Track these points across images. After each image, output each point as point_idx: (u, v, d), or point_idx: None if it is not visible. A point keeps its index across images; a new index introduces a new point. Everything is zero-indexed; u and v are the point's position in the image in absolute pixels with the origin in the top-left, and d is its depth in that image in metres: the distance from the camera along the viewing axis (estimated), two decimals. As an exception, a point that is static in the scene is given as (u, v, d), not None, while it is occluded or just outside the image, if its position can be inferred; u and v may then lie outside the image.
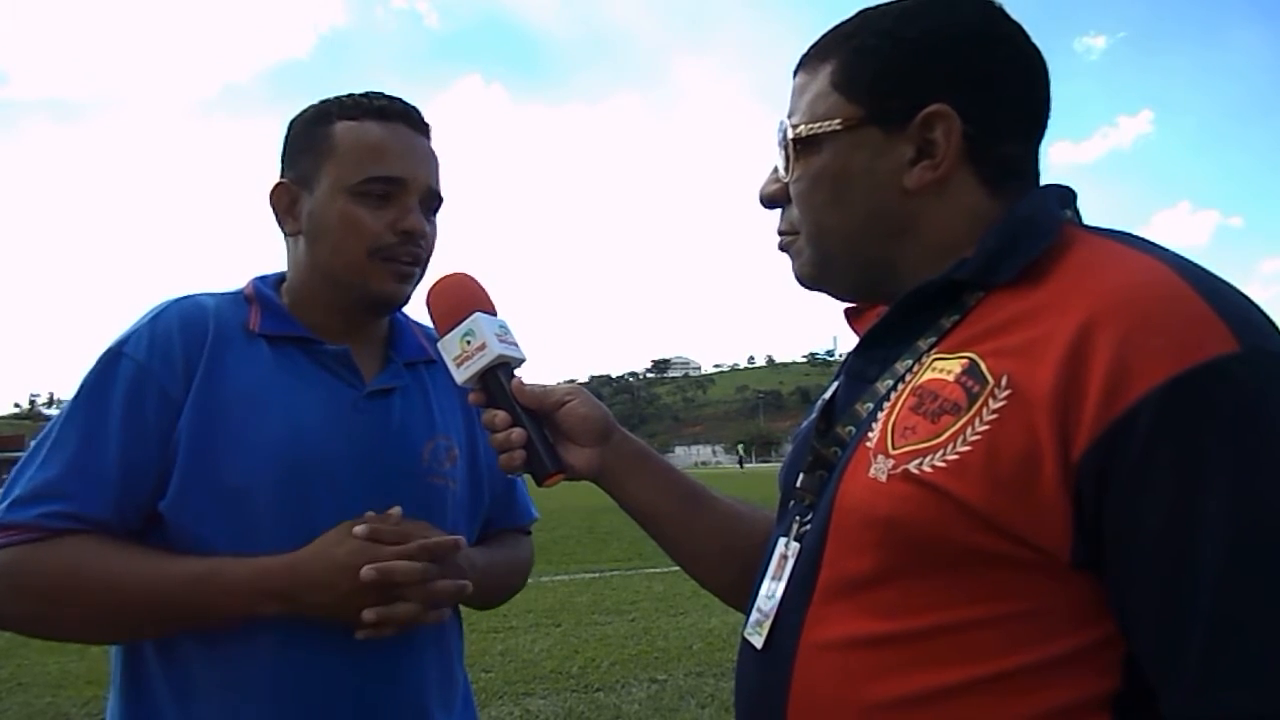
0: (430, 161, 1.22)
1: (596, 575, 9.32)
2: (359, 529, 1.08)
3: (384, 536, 1.09)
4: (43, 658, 5.83)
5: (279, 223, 1.23)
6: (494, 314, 1.07)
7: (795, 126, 0.84)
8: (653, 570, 9.23)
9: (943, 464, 0.69)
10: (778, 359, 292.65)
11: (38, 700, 5.03)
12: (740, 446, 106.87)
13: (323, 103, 1.23)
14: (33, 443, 1.12)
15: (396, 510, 1.13)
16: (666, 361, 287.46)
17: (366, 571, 1.05)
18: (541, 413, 1.04)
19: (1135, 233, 0.77)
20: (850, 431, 0.81)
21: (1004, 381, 0.69)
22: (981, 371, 0.71)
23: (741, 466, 70.99)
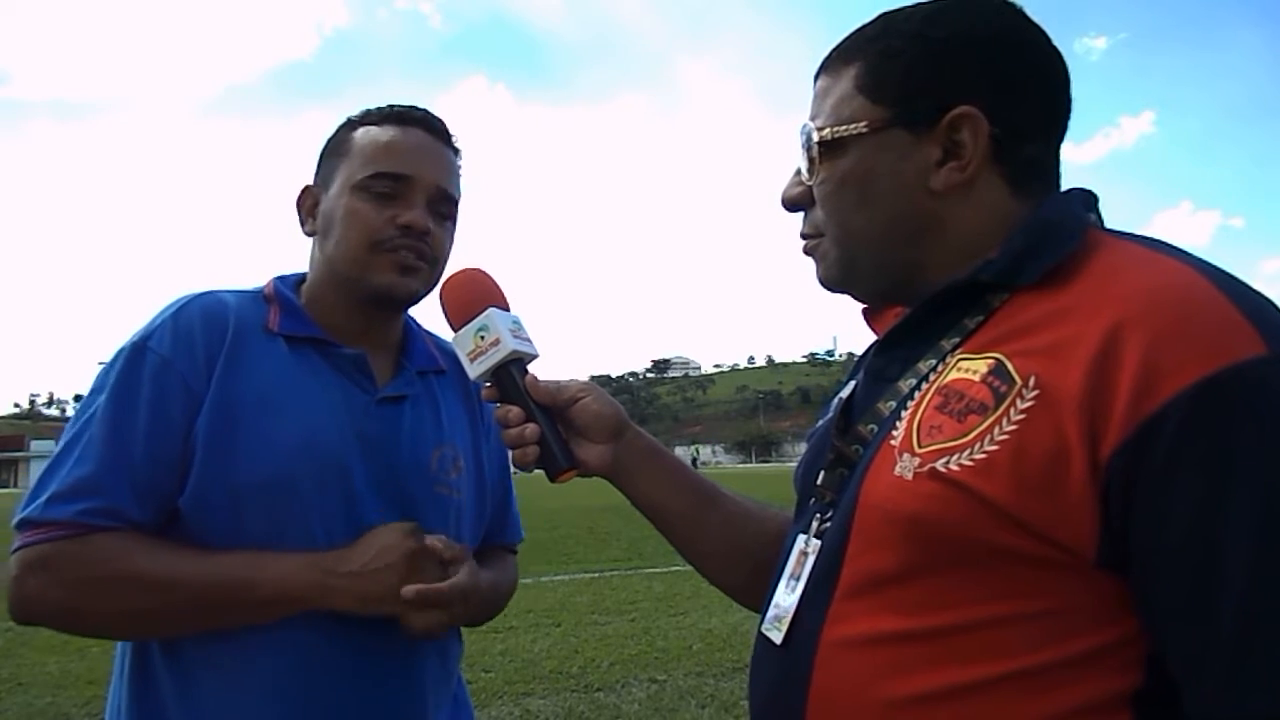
0: (443, 164, 1.24)
1: (596, 575, 9.31)
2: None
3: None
4: (43, 657, 5.82)
5: (301, 224, 1.26)
6: (508, 309, 1.07)
7: (820, 130, 0.84)
8: (653, 570, 9.23)
9: (970, 463, 0.69)
10: (778, 359, 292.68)
11: (38, 700, 5.02)
12: (694, 448, 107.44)
13: (355, 114, 1.27)
14: (64, 436, 1.12)
15: (436, 541, 1.15)
16: (666, 361, 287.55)
17: (408, 591, 1.10)
18: (554, 408, 1.04)
19: (1136, 233, 0.78)
20: (872, 430, 0.81)
21: (1031, 382, 0.69)
22: (1008, 372, 0.71)
23: (694, 466, 70.80)
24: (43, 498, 1.06)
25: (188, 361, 1.11)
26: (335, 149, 1.24)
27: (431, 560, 1.14)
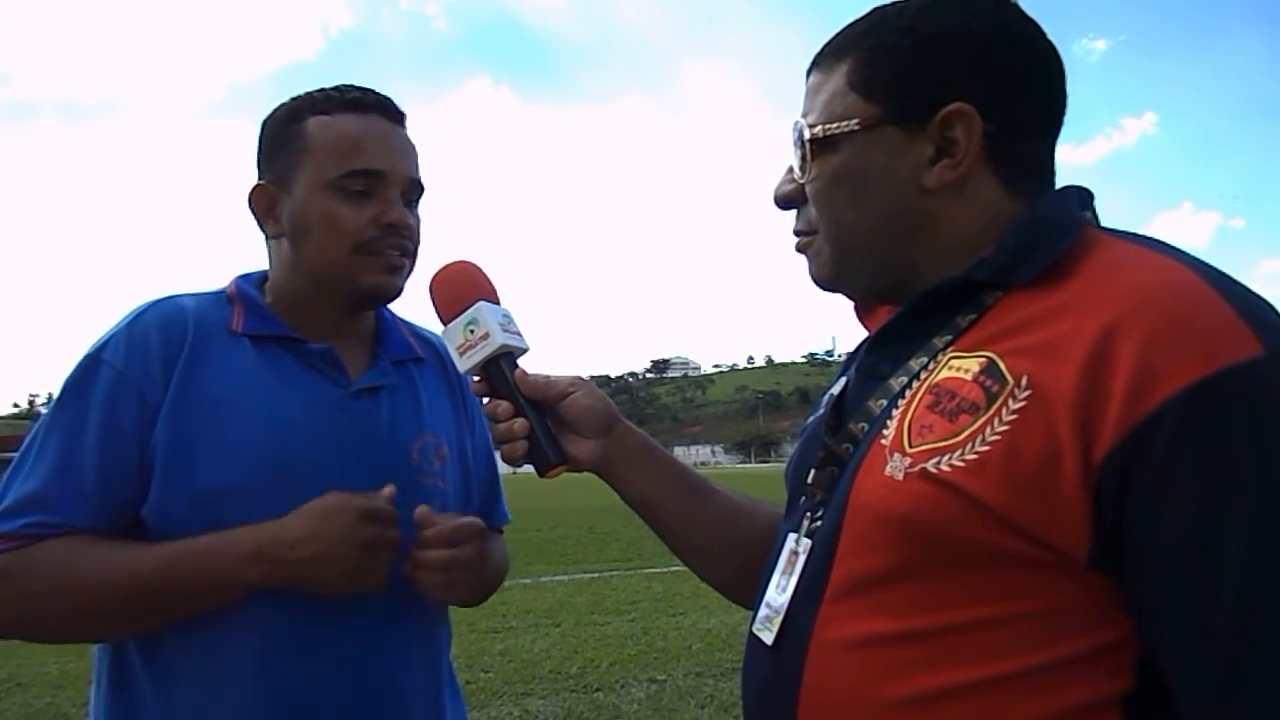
0: (409, 151, 1.20)
1: (596, 575, 9.31)
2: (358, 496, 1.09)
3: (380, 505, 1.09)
4: (42, 658, 5.82)
5: (260, 226, 1.22)
6: (498, 303, 1.06)
7: (812, 127, 0.83)
8: (652, 570, 9.23)
9: (961, 463, 0.69)
10: (777, 359, 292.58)
11: (37, 700, 5.03)
12: None
13: (294, 99, 1.20)
14: (19, 450, 1.11)
15: (389, 489, 1.11)
16: (666, 361, 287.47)
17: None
18: (544, 403, 1.03)
19: (1135, 231, 0.77)
20: (863, 428, 0.80)
21: (1024, 382, 0.68)
22: (1001, 371, 0.70)
23: None
24: None
25: (142, 371, 1.10)
26: (287, 142, 1.17)
27: (387, 515, 1.08)
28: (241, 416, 1.11)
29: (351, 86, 1.19)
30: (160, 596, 1.05)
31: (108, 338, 1.13)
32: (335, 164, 1.14)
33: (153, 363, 1.11)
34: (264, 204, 1.20)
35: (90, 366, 1.11)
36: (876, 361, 0.85)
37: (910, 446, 0.73)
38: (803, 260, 0.91)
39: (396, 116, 1.20)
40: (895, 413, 0.77)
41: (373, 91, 1.20)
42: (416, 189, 1.21)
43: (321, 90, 1.19)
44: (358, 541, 1.05)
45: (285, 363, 1.17)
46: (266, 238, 1.22)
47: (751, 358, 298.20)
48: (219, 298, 1.21)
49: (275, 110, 1.21)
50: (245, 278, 1.24)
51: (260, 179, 1.21)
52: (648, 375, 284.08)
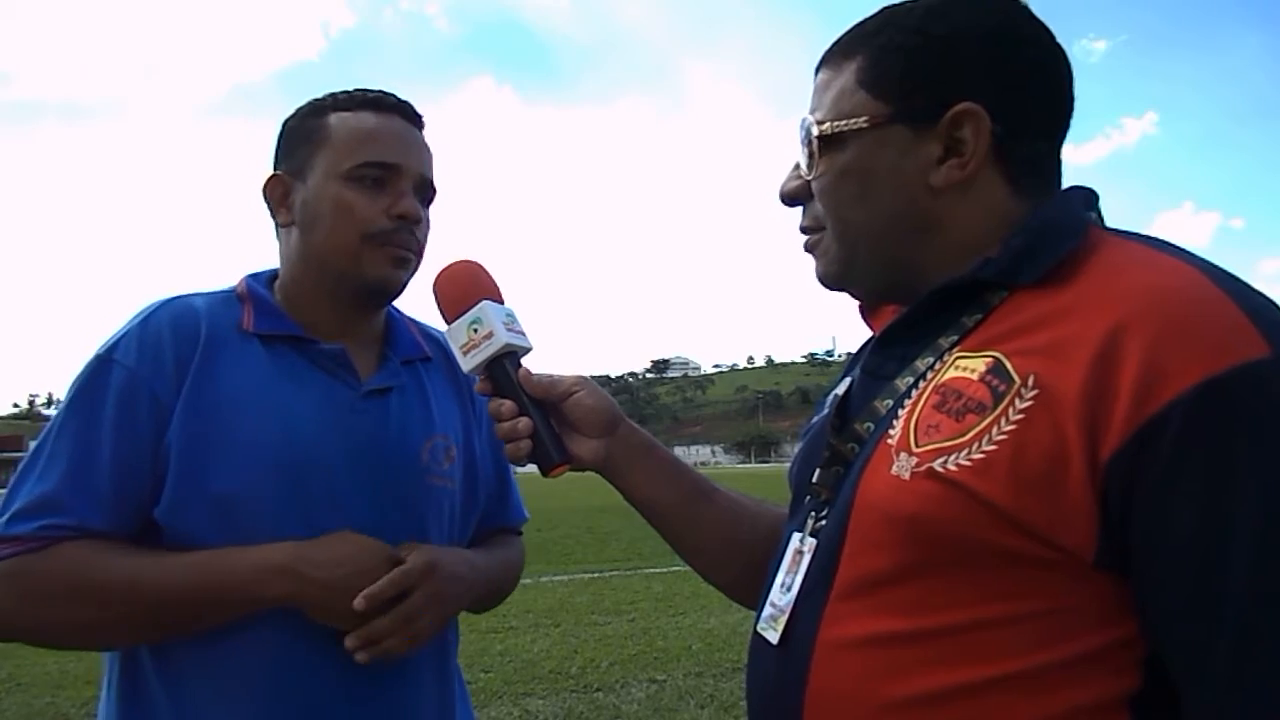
0: (424, 151, 1.22)
1: (596, 575, 9.31)
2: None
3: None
4: (42, 658, 5.81)
5: (272, 215, 1.22)
6: (501, 302, 1.06)
7: (820, 123, 0.83)
8: (652, 570, 9.23)
9: (968, 463, 0.69)
10: (777, 359, 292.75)
11: (37, 700, 5.03)
12: None
13: (317, 98, 1.23)
14: (31, 450, 1.10)
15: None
16: (666, 361, 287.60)
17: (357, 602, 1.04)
18: (548, 402, 1.03)
19: (1138, 232, 0.78)
20: (869, 428, 0.80)
21: (1031, 381, 0.68)
22: (1007, 371, 0.70)
23: None
24: (6, 515, 1.05)
25: (154, 371, 1.09)
26: (307, 136, 1.19)
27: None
28: (253, 417, 1.11)
29: (374, 90, 1.23)
30: (179, 606, 1.05)
31: (118, 338, 1.12)
32: (351, 154, 1.16)
33: (166, 362, 1.10)
34: (278, 193, 1.21)
35: (101, 367, 1.10)
36: (882, 361, 0.85)
37: (917, 446, 0.73)
38: (803, 260, 0.91)
39: (415, 119, 1.23)
40: (901, 412, 0.77)
41: (394, 95, 1.23)
42: (429, 188, 1.22)
43: (344, 91, 1.22)
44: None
45: (295, 363, 1.17)
46: (277, 227, 1.23)
47: (751, 358, 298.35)
48: (228, 297, 1.20)
49: (298, 108, 1.24)
50: (255, 277, 1.24)
51: (276, 171, 1.22)
52: (648, 375, 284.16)
